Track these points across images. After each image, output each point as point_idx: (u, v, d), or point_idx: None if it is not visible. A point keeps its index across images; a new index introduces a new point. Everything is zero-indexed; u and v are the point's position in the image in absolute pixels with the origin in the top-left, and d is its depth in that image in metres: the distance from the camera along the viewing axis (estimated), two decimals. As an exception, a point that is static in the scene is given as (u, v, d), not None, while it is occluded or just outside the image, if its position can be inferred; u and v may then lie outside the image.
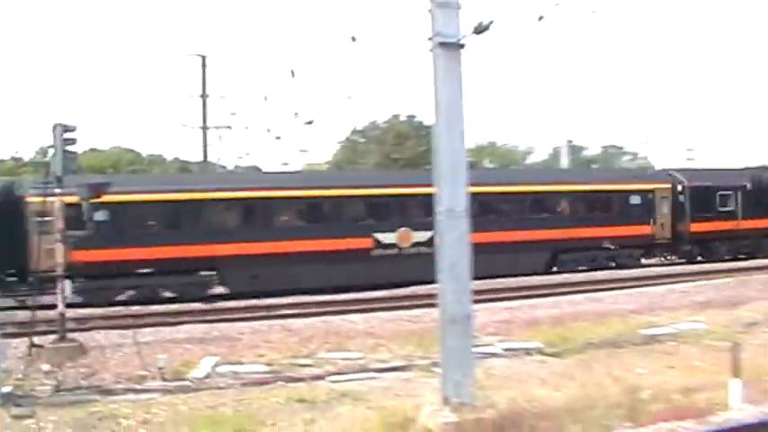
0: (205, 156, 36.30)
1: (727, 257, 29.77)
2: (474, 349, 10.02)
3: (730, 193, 30.88)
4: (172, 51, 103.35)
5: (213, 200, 24.09)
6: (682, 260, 30.41)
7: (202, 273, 23.36)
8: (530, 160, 52.81)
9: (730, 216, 30.55)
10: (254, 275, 22.94)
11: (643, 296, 20.18)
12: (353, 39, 11.03)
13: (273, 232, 24.34)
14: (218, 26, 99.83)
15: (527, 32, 10.44)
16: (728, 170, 35.25)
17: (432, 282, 9.45)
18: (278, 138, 22.92)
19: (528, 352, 13.34)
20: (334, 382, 11.38)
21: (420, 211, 23.50)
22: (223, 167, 39.54)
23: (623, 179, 32.10)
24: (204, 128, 35.58)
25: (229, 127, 36.12)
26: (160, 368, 11.97)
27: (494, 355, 13.08)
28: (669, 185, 30.21)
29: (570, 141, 43.70)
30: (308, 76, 25.98)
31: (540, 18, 9.53)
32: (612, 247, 28.22)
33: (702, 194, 30.33)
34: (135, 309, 20.37)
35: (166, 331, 16.32)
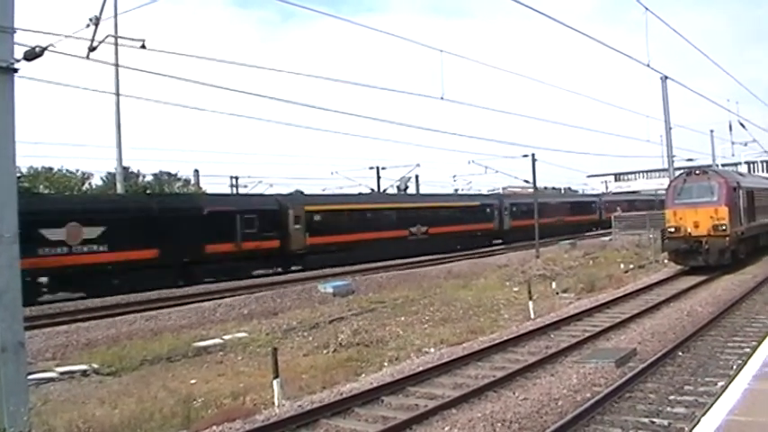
0: None
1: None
2: (30, 376, 9.93)
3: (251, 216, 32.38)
4: None
5: None
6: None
7: None
8: (87, 186, 50.77)
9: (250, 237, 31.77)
10: None
11: (195, 311, 20.97)
12: None
13: None
14: None
15: (81, 61, 10.60)
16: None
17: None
18: None
19: (85, 373, 13.36)
20: None
21: None
22: None
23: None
24: None
25: None
26: None
27: (51, 380, 12.82)
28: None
29: (128, 168, 43.27)
30: None
31: (93, 49, 10.05)
32: None
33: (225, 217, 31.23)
34: None
35: None
